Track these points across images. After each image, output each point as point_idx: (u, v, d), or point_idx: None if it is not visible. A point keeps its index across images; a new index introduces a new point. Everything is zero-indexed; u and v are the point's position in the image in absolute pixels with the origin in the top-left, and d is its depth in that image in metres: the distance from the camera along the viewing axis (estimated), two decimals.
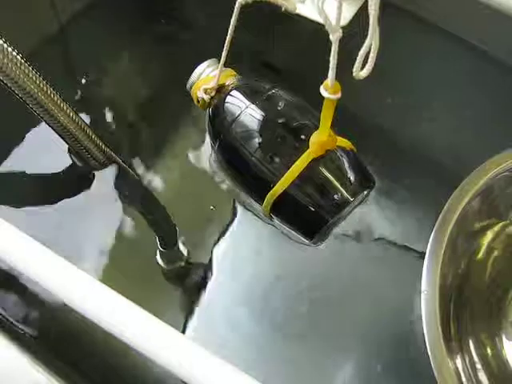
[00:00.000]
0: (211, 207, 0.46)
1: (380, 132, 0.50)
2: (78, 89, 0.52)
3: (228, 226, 0.46)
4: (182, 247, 0.45)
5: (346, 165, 0.37)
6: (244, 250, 0.45)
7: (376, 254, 0.45)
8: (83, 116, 0.47)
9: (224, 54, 0.37)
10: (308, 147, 0.35)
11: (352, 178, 0.36)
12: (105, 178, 0.46)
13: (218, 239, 0.45)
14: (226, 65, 0.39)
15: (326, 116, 0.33)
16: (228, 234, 0.45)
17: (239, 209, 0.46)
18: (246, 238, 0.46)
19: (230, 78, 0.41)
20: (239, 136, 0.38)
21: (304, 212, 0.36)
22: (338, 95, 0.31)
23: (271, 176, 0.36)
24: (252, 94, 0.39)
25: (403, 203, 0.46)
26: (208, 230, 0.46)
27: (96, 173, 0.47)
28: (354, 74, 0.28)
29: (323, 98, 0.31)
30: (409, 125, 0.50)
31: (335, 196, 0.36)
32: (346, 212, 0.38)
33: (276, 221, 0.39)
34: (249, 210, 0.45)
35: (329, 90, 0.30)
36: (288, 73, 0.51)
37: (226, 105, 0.39)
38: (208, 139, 0.41)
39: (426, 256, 0.37)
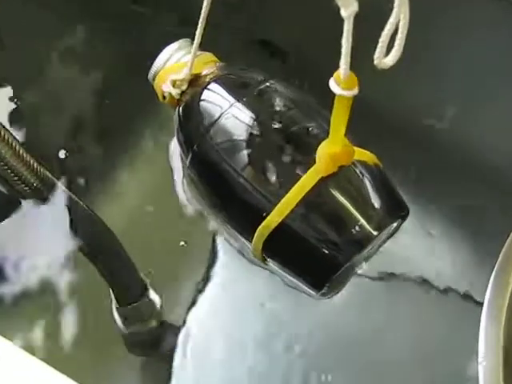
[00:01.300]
0: (182, 243, 0.40)
1: (413, 139, 0.43)
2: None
3: (207, 269, 0.39)
4: (153, 300, 0.39)
5: (368, 186, 0.31)
6: (230, 305, 0.39)
7: (414, 303, 0.39)
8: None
9: (199, 31, 0.32)
10: (315, 162, 0.29)
11: (376, 204, 0.31)
12: (39, 209, 0.40)
13: (194, 292, 0.39)
14: (202, 46, 0.33)
15: (339, 119, 0.27)
16: (207, 281, 0.39)
17: (221, 246, 0.40)
18: (232, 287, 0.39)
19: (209, 65, 0.36)
20: (220, 146, 0.32)
21: (309, 252, 0.30)
22: (355, 91, 0.25)
23: (264, 201, 0.31)
24: (238, 88, 0.34)
25: (449, 234, 0.40)
26: (179, 275, 0.40)
27: (26, 202, 0.40)
28: (375, 62, 0.24)
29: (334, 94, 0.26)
30: (454, 128, 0.43)
31: (353, 230, 0.30)
32: (369, 252, 0.32)
33: (271, 265, 0.33)
34: (235, 249, 0.39)
35: (341, 83, 0.25)
36: (293, 57, 0.45)
37: (203, 103, 0.34)
38: (178, 150, 0.36)
39: (484, 310, 0.31)
